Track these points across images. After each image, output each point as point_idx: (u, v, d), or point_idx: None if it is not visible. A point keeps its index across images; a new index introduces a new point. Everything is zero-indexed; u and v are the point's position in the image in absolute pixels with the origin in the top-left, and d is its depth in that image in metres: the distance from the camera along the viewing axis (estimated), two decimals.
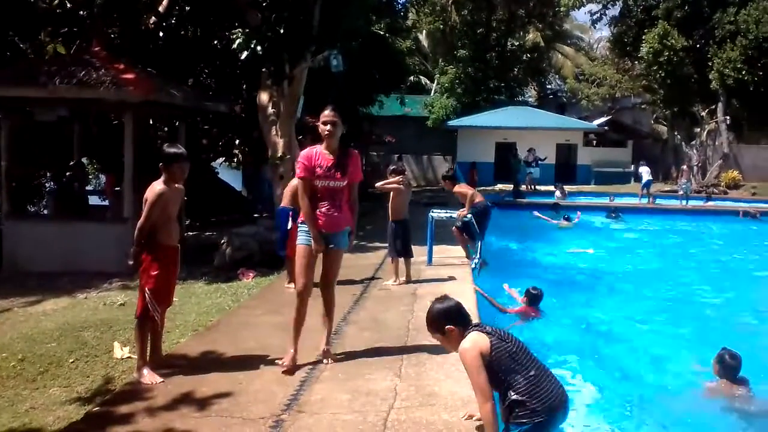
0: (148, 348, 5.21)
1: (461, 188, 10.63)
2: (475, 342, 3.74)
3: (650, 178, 24.84)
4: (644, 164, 25.73)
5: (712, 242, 17.02)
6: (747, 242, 16.69)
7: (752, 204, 23.06)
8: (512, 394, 3.63)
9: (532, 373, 3.68)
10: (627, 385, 6.28)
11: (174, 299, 6.03)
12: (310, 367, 5.29)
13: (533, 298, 8.59)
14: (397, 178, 8.84)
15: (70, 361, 5.76)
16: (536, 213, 19.21)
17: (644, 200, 24.35)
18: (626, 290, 10.66)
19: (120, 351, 5.92)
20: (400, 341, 5.96)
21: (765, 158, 31.37)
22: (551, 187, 26.46)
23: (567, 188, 25.59)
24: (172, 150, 5.23)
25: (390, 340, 5.86)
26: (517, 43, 41.39)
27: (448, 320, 3.93)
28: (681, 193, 24.04)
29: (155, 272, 5.08)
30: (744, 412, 5.55)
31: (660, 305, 9.66)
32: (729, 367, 5.77)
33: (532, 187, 26.72)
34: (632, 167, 32.40)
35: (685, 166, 26.88)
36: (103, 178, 16.11)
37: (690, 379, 6.34)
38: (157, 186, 5.08)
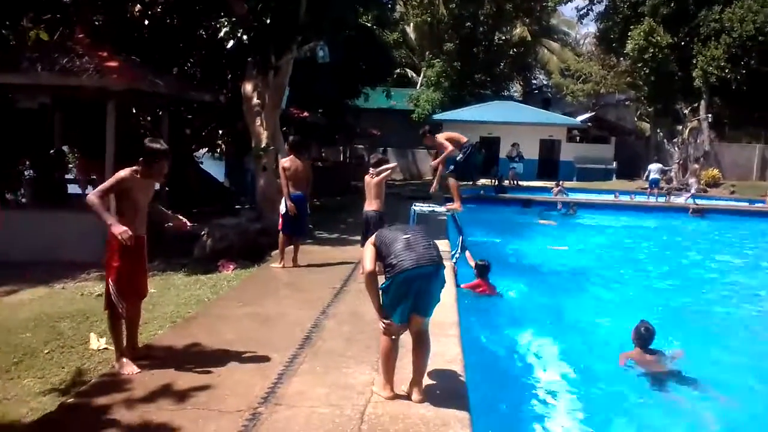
0: (124, 339, 5.17)
1: (443, 136, 10.24)
2: (372, 237, 4.71)
3: (657, 176, 24.77)
4: (655, 161, 25.79)
5: (660, 237, 17.79)
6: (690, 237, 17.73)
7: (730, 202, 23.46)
8: (387, 259, 4.42)
9: (401, 238, 4.46)
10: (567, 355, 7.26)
11: (151, 290, 6.01)
12: (288, 360, 5.28)
13: (482, 270, 9.40)
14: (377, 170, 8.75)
15: (45, 351, 5.71)
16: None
17: (653, 198, 24.10)
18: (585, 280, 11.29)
19: (96, 342, 5.87)
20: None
21: (744, 157, 31.72)
22: (534, 183, 26.64)
23: (549, 184, 25.80)
24: (155, 146, 5.11)
25: (369, 334, 5.85)
26: (504, 38, 41.41)
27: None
28: (692, 191, 24.14)
29: (117, 264, 5.00)
30: (653, 374, 6.49)
31: (611, 293, 10.42)
32: (643, 337, 6.70)
33: (515, 182, 26.80)
34: (614, 164, 32.66)
35: (696, 165, 26.90)
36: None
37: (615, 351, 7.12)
38: (122, 172, 5.01)
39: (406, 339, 4.67)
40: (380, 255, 4.53)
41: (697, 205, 21.95)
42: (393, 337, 4.53)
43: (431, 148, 10.35)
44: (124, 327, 5.18)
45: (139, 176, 5.02)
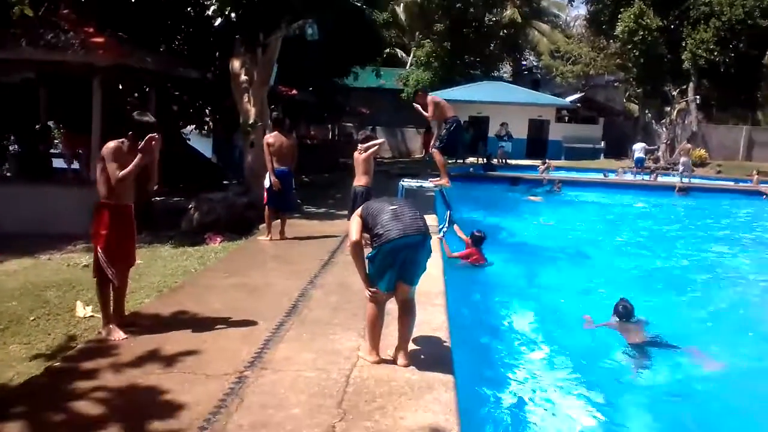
0: (111, 307, 5.18)
1: (432, 99, 10.10)
2: (359, 210, 4.74)
3: (642, 155, 25.20)
4: (640, 140, 25.97)
5: (648, 213, 18.00)
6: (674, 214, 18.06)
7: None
8: (375, 229, 4.46)
9: (388, 209, 4.51)
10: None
11: (138, 261, 6.00)
12: (275, 327, 5.30)
13: (477, 240, 9.72)
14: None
15: (31, 319, 5.69)
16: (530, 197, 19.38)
17: (640, 177, 24.26)
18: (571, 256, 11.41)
19: (82, 310, 5.87)
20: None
21: (731, 138, 31.95)
22: (523, 161, 26.71)
23: (537, 163, 25.87)
24: (143, 119, 5.11)
25: (355, 303, 5.86)
26: (494, 19, 41.19)
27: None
28: (682, 170, 24.23)
29: (105, 231, 5.04)
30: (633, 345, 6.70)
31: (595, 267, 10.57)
32: (621, 315, 7.09)
33: (504, 161, 26.84)
34: (602, 143, 32.79)
35: (688, 144, 27.02)
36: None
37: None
38: (111, 143, 5.02)
39: (392, 307, 4.71)
40: (366, 226, 4.57)
41: (689, 183, 22.15)
42: (379, 304, 4.58)
43: (421, 107, 10.20)
44: (111, 294, 5.19)
45: (126, 148, 5.01)
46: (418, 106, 10.20)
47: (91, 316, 5.76)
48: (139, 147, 4.95)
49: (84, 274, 7.18)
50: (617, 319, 7.11)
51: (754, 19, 28.92)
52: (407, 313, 4.65)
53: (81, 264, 7.84)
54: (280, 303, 5.98)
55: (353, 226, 4.64)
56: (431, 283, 6.66)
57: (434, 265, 7.39)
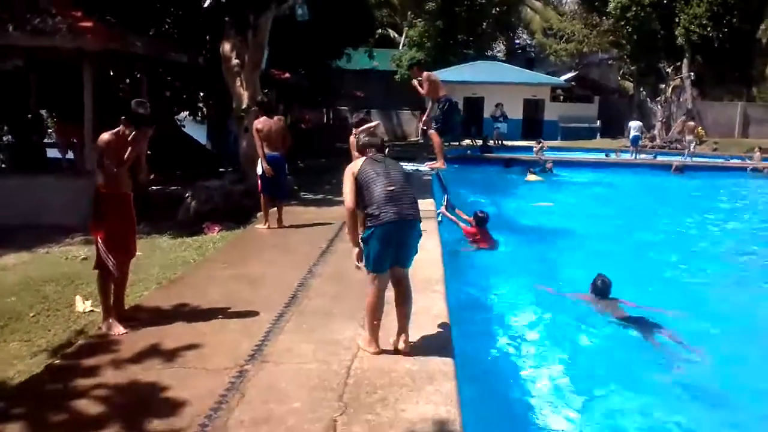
0: (111, 300, 5.18)
1: (430, 76, 10.25)
2: (353, 164, 4.75)
3: (638, 134, 24.86)
4: (635, 118, 25.85)
5: (642, 193, 18.04)
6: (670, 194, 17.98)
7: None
8: (369, 208, 4.48)
9: (384, 187, 4.47)
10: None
11: (138, 252, 5.98)
12: (275, 318, 5.31)
13: (480, 221, 9.91)
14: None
15: (31, 315, 5.70)
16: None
17: (637, 156, 24.18)
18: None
19: (82, 304, 5.87)
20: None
21: (726, 114, 31.89)
22: (518, 143, 26.67)
23: (533, 143, 25.78)
24: (140, 111, 5.09)
25: (354, 292, 5.85)
26: None
27: (361, 146, 5.00)
28: (692, 148, 24.12)
29: (104, 220, 5.05)
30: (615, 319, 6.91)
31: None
32: (599, 290, 7.23)
33: (500, 142, 26.81)
34: (598, 123, 32.73)
35: (691, 122, 26.85)
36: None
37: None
38: (106, 134, 5.01)
39: (390, 294, 4.72)
40: (360, 194, 4.56)
41: (692, 161, 22.15)
42: (379, 291, 4.58)
43: (417, 82, 10.20)
44: (112, 287, 5.19)
45: (120, 138, 4.99)
46: (416, 82, 10.13)
47: (91, 310, 5.77)
48: (131, 137, 4.94)
49: (83, 267, 7.18)
50: (593, 295, 7.28)
51: None
52: (404, 296, 4.69)
53: (79, 257, 7.84)
54: (279, 293, 5.98)
55: (347, 186, 4.59)
56: (430, 269, 6.69)
57: (433, 250, 7.46)
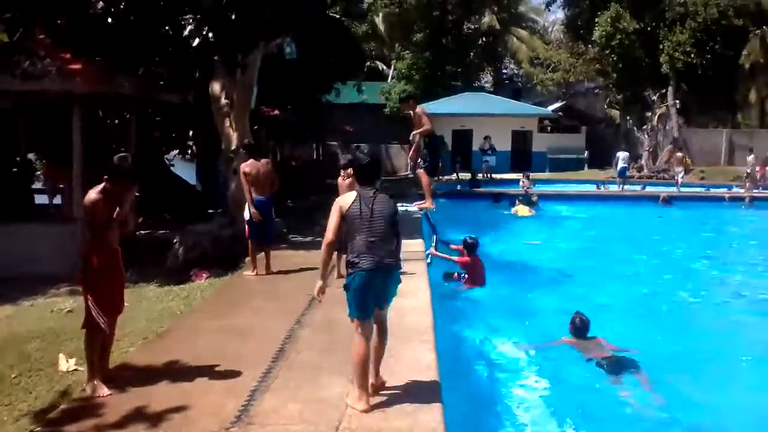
0: (97, 359, 5.10)
1: (424, 111, 9.95)
2: (343, 197, 4.85)
3: (625, 165, 25.01)
4: (623, 149, 26.17)
5: (632, 226, 18.10)
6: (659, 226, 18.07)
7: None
8: (350, 255, 4.67)
9: (366, 238, 4.58)
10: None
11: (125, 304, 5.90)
12: (262, 375, 5.24)
13: (470, 247, 10.01)
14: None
15: (13, 376, 5.57)
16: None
17: (623, 187, 24.33)
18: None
19: (65, 363, 5.76)
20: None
21: (712, 142, 32.20)
22: (507, 176, 26.81)
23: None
24: (124, 167, 5.03)
25: (343, 343, 5.74)
26: (472, 27, 41.46)
27: (357, 172, 4.97)
28: (681, 178, 24.24)
29: (94, 277, 4.99)
30: (593, 359, 6.86)
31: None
32: (577, 328, 7.21)
33: (489, 175, 26.90)
34: (586, 153, 32.95)
35: (679, 153, 27.07)
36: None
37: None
38: (93, 193, 4.96)
39: None
40: (343, 226, 4.71)
41: (681, 191, 22.23)
42: (365, 339, 4.63)
43: (407, 114, 10.06)
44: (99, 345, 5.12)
45: (106, 194, 4.96)
46: (412, 113, 9.91)
47: (75, 369, 5.66)
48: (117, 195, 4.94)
49: (69, 320, 7.08)
50: (572, 335, 7.27)
51: (729, 19, 29.40)
52: (382, 333, 4.81)
53: (65, 309, 7.73)
54: (266, 346, 5.91)
55: (332, 221, 4.71)
56: (419, 317, 6.66)
57: (421, 296, 7.42)
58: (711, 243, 15.52)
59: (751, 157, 25.47)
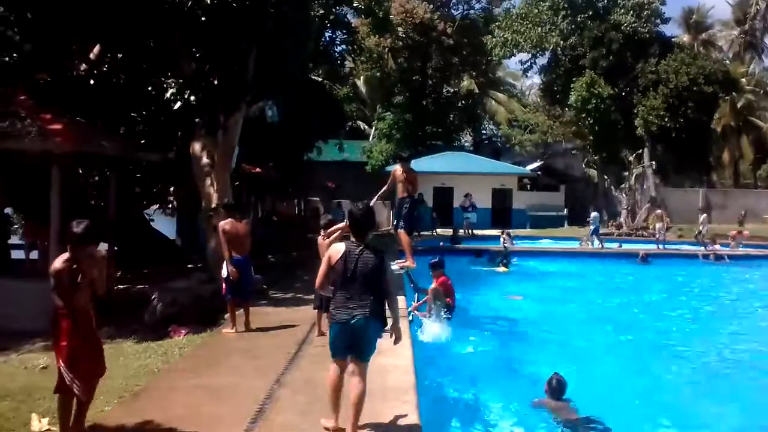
0: (71, 422, 4.96)
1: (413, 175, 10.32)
2: (334, 248, 5.18)
3: (597, 225, 25.31)
4: (593, 210, 26.55)
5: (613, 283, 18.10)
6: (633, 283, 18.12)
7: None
8: (331, 306, 5.12)
9: (344, 294, 4.95)
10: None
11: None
12: None
13: (437, 265, 10.56)
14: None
15: None
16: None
17: (599, 244, 24.45)
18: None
19: (38, 423, 5.58)
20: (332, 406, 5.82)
21: (688, 201, 32.89)
22: (488, 232, 26.98)
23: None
24: (77, 231, 4.93)
25: (324, 404, 5.67)
26: (452, 90, 42.42)
27: (351, 225, 5.43)
28: (659, 237, 24.55)
29: (65, 342, 4.87)
30: (566, 421, 6.77)
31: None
32: (554, 389, 7.05)
33: (470, 232, 27.07)
34: (565, 211, 33.39)
35: (659, 210, 27.43)
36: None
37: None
38: (57, 263, 4.92)
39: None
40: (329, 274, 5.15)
41: (662, 249, 22.52)
42: (335, 369, 5.02)
43: (391, 180, 10.40)
44: (74, 408, 4.97)
45: (71, 262, 4.90)
46: (405, 174, 10.09)
47: (48, 429, 5.49)
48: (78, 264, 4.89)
49: (43, 378, 6.88)
50: (548, 396, 7.11)
51: (699, 86, 30.37)
52: (359, 384, 4.92)
53: (39, 366, 7.55)
54: (245, 406, 5.78)
55: (321, 269, 5.20)
56: (401, 376, 6.58)
57: (404, 355, 7.33)
58: (688, 301, 15.59)
59: (703, 217, 25.94)
